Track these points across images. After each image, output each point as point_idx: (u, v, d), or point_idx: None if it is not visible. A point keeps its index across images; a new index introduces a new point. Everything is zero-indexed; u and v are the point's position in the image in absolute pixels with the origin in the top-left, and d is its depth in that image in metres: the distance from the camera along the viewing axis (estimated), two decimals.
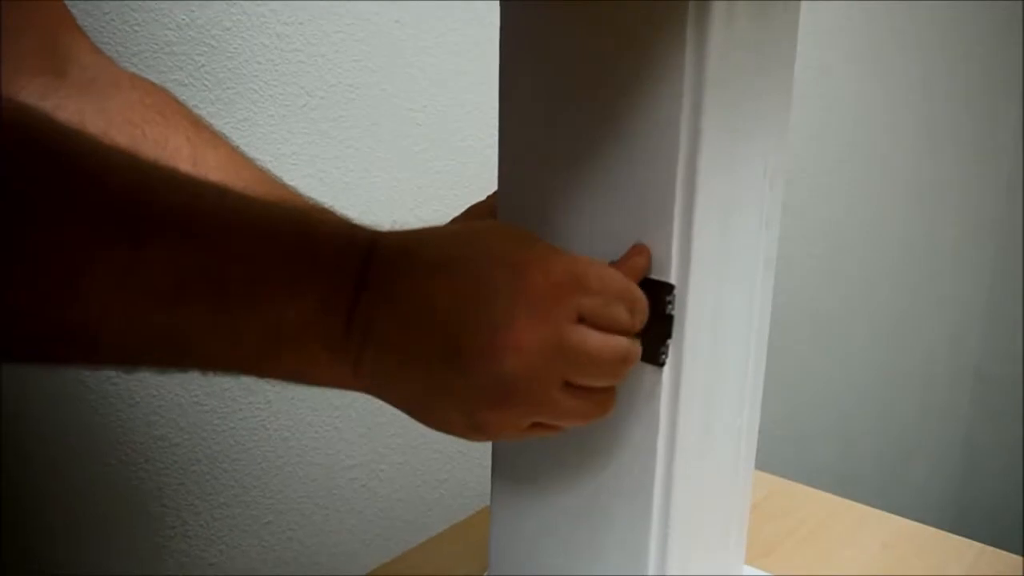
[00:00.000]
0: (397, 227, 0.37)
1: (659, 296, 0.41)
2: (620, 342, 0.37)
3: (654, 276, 0.41)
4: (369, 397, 0.37)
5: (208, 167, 0.47)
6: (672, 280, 0.41)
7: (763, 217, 0.46)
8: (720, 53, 0.39)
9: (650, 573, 0.43)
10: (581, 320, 0.36)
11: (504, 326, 0.34)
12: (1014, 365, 1.71)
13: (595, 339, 0.36)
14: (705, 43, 0.38)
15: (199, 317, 0.31)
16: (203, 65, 0.66)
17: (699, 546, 0.46)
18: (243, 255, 0.32)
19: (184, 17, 0.64)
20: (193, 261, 0.30)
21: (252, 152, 0.70)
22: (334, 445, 0.79)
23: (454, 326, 0.35)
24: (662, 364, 0.41)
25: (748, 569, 0.54)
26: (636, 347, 0.38)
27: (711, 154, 0.40)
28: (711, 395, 0.44)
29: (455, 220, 0.49)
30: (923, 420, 1.72)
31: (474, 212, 0.49)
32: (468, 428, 0.37)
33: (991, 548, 0.63)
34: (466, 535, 0.67)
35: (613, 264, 0.40)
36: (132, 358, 0.32)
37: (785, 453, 1.27)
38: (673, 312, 0.41)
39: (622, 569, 0.44)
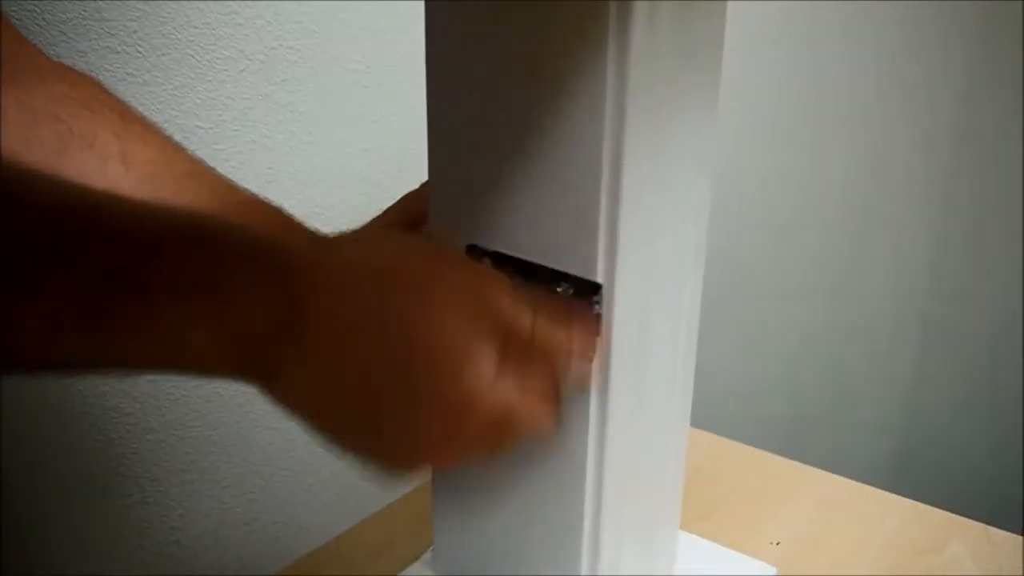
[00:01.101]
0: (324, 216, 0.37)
1: (586, 296, 0.41)
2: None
3: (582, 275, 0.41)
4: None
5: (138, 162, 0.46)
6: (599, 279, 0.41)
7: (691, 210, 0.46)
8: (643, 48, 0.38)
9: (583, 541, 0.45)
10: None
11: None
12: (961, 311, 1.74)
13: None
14: (628, 40, 0.37)
15: (94, 344, 0.31)
16: (136, 31, 0.64)
17: (632, 513, 0.48)
18: (131, 280, 0.31)
19: None
20: (75, 288, 0.30)
21: (192, 120, 0.69)
22: None
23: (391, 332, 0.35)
24: (590, 360, 0.42)
25: (684, 535, 0.56)
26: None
27: (636, 152, 0.39)
28: (641, 386, 0.45)
29: (390, 209, 0.49)
30: (868, 369, 1.75)
31: (408, 200, 0.48)
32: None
33: (922, 505, 0.66)
34: (419, 504, 0.69)
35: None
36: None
37: (730, 409, 1.29)
38: (600, 311, 0.41)
39: (555, 540, 0.46)
